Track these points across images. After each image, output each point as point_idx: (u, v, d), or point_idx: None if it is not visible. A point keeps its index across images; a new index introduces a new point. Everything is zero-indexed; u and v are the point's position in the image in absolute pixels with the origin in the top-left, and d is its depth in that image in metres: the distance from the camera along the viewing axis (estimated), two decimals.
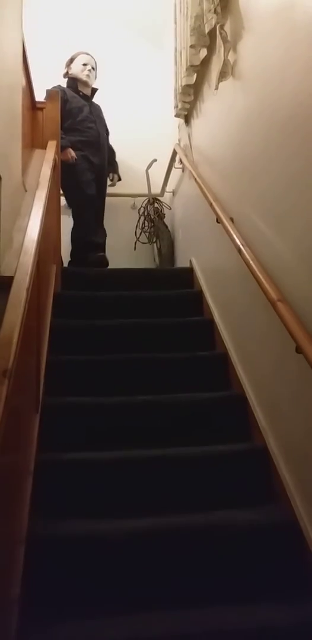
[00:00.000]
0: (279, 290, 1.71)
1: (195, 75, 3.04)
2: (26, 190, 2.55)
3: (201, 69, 2.96)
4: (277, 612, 1.42)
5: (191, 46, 2.84)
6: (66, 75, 3.77)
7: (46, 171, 2.59)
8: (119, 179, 3.98)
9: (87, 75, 3.74)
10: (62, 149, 3.30)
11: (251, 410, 2.08)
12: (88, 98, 3.76)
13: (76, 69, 3.74)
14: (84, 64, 3.74)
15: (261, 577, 1.55)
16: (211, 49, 2.75)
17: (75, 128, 3.59)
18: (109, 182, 3.92)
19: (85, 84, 3.75)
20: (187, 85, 3.10)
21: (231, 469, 1.87)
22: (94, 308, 2.80)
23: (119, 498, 1.76)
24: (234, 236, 2.14)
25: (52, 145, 3.00)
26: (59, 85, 3.60)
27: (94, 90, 3.85)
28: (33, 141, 3.11)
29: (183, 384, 2.29)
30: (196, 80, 3.06)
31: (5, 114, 2.18)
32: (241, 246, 2.05)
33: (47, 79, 3.45)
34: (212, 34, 2.64)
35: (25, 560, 1.44)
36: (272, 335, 1.84)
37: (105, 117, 3.90)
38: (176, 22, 3.33)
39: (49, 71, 3.69)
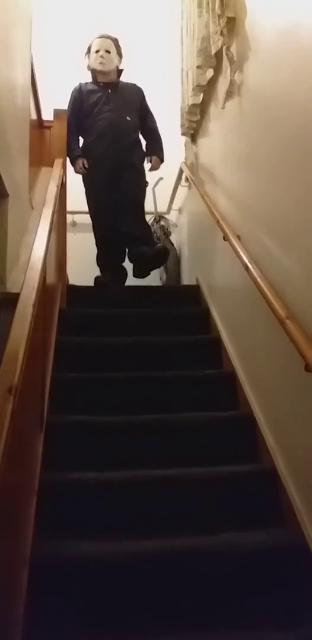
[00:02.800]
0: (288, 307, 1.69)
1: (201, 95, 3.07)
2: (33, 208, 2.57)
3: (207, 89, 3.00)
4: (287, 637, 1.37)
5: (198, 67, 2.88)
6: (88, 68, 3.45)
7: (53, 189, 2.60)
8: (162, 161, 3.43)
9: (101, 63, 3.33)
10: (73, 160, 3.22)
11: (259, 430, 2.04)
12: (109, 85, 3.35)
13: (92, 59, 3.40)
14: (97, 51, 3.36)
15: (269, 601, 1.50)
16: (217, 69, 2.79)
17: (91, 126, 3.29)
18: (148, 167, 3.43)
19: (101, 72, 3.36)
20: (194, 105, 3.14)
21: (238, 490, 1.83)
22: (99, 325, 2.79)
23: (123, 519, 1.73)
24: (242, 254, 2.14)
25: (58, 163, 3.03)
26: (80, 84, 3.41)
27: (120, 72, 3.45)
28: (40, 159, 3.14)
29: (190, 403, 2.26)
30: (202, 99, 3.10)
31: (14, 134, 2.20)
32: (249, 264, 2.03)
33: (54, 97, 3.49)
34: (218, 54, 2.68)
35: (29, 581, 1.40)
36: (281, 354, 1.82)
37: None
38: (182, 44, 3.38)
39: (57, 89, 3.73)
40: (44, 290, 1.92)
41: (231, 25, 2.43)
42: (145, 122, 3.40)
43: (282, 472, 1.81)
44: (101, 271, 3.27)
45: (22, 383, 1.25)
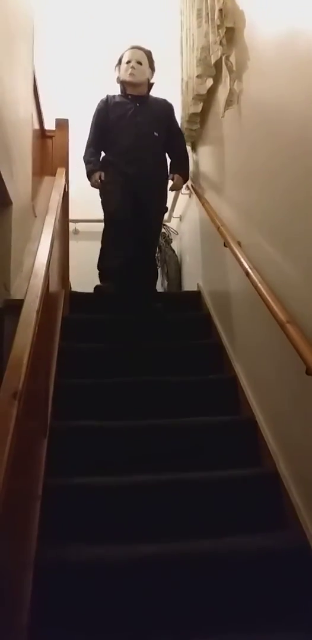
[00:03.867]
0: (288, 312, 1.71)
1: (201, 104, 3.11)
2: (36, 216, 2.60)
3: (207, 98, 3.03)
4: (291, 638, 1.38)
5: (198, 76, 2.92)
6: (118, 79, 3.18)
7: (55, 197, 2.64)
8: (185, 181, 3.17)
9: (131, 74, 3.06)
10: (89, 173, 2.99)
11: (260, 434, 2.05)
12: (138, 98, 3.09)
13: (122, 70, 3.13)
14: (128, 62, 3.10)
15: (273, 602, 1.51)
16: (216, 78, 2.82)
17: (115, 139, 3.00)
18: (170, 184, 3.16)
19: (131, 84, 3.09)
20: (194, 114, 3.17)
21: (241, 494, 1.84)
22: (101, 332, 2.81)
23: (127, 523, 1.73)
24: (242, 259, 2.16)
25: (61, 172, 3.07)
26: (107, 96, 3.13)
27: (150, 86, 3.19)
28: (42, 168, 3.18)
29: (192, 408, 2.27)
30: (202, 108, 3.13)
31: (17, 143, 2.23)
32: (249, 269, 2.06)
33: (56, 107, 3.54)
34: (218, 64, 2.71)
35: (33, 586, 1.41)
36: (282, 358, 1.83)
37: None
38: (182, 54, 3.43)
39: (58, 99, 3.78)
40: (47, 297, 1.95)
41: (230, 35, 2.46)
42: (173, 140, 3.12)
43: (284, 475, 1.82)
44: (101, 279, 3.02)
45: (26, 389, 1.27)
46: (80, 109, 3.47)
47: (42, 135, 3.28)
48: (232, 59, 2.45)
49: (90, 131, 3.05)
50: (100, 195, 2.99)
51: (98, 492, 1.80)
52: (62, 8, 4.34)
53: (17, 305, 1.62)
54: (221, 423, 2.17)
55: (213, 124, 2.98)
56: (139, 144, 2.95)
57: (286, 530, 1.72)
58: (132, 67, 3.07)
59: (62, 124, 3.36)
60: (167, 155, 3.13)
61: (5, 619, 1.17)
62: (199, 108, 3.13)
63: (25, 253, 2.19)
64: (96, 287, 2.95)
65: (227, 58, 2.46)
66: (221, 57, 2.56)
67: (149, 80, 3.16)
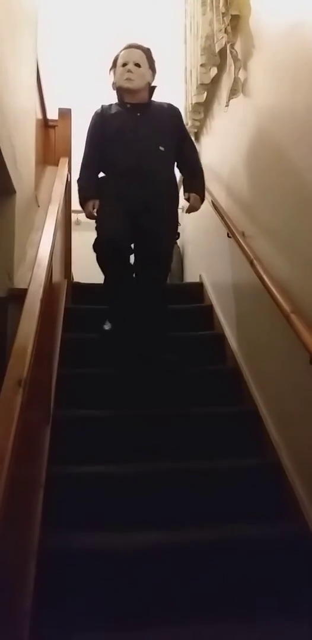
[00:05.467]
0: (292, 302, 1.71)
1: (205, 93, 3.09)
2: (39, 206, 2.59)
3: (211, 87, 3.01)
4: (291, 629, 1.39)
5: (202, 65, 2.90)
6: (113, 86, 2.60)
7: (58, 187, 2.63)
8: (203, 200, 2.58)
9: (128, 79, 2.49)
10: (83, 201, 2.45)
11: (263, 425, 2.06)
12: (138, 107, 2.53)
13: (117, 75, 2.55)
14: (123, 65, 2.52)
15: (274, 592, 1.52)
16: (221, 67, 2.80)
17: (113, 158, 2.45)
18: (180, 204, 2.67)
19: (129, 91, 2.51)
20: (198, 104, 3.15)
21: (243, 484, 1.85)
22: (103, 322, 2.80)
23: (130, 512, 1.74)
24: (246, 249, 2.15)
25: (63, 162, 3.06)
26: (101, 107, 2.58)
27: (152, 90, 2.60)
28: (45, 158, 3.17)
29: (194, 398, 2.28)
30: (206, 98, 3.11)
31: (20, 133, 2.22)
32: (253, 259, 2.05)
33: (59, 97, 3.52)
34: (222, 52, 2.69)
35: (36, 573, 1.42)
36: (285, 348, 1.83)
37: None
38: (186, 42, 3.40)
39: (61, 88, 3.76)
40: (50, 287, 1.95)
41: (235, 23, 2.44)
42: (183, 151, 2.57)
43: (287, 466, 1.82)
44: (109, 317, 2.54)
45: (30, 377, 1.28)
46: (83, 98, 3.46)
47: (45, 124, 3.27)
48: (237, 47, 2.44)
49: (85, 150, 2.52)
50: (96, 227, 2.43)
51: (101, 480, 1.81)
52: None
53: (20, 295, 1.63)
54: (223, 414, 2.17)
55: (217, 113, 2.97)
56: (142, 162, 2.39)
57: (288, 520, 1.73)
58: (129, 71, 2.49)
59: (65, 114, 3.35)
60: (177, 169, 2.61)
61: (8, 605, 1.18)
62: (203, 97, 3.11)
63: (28, 243, 2.18)
64: (102, 330, 2.51)
65: (232, 46, 2.44)
66: (225, 46, 2.54)
67: (149, 83, 2.57)
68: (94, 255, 2.81)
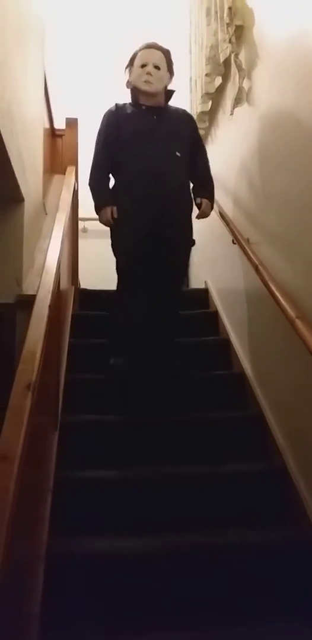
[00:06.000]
0: (298, 307, 1.72)
1: (210, 102, 3.12)
2: (47, 214, 2.62)
3: (215, 97, 3.05)
4: (298, 631, 1.39)
5: (206, 75, 2.94)
6: (128, 84, 2.49)
7: (65, 195, 2.67)
8: (213, 205, 2.52)
9: (147, 82, 2.37)
10: (99, 207, 2.32)
11: (269, 430, 2.07)
12: (154, 110, 2.41)
13: (134, 75, 2.43)
14: (143, 65, 2.39)
15: (280, 596, 1.52)
16: (225, 76, 2.83)
17: (127, 162, 2.33)
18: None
19: (147, 93, 2.40)
20: (203, 112, 3.19)
21: (249, 489, 1.85)
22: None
23: (136, 516, 1.76)
24: (251, 255, 2.17)
25: (71, 171, 3.10)
26: (115, 105, 2.46)
27: (169, 94, 2.50)
28: (52, 167, 3.21)
29: (199, 403, 2.29)
30: (211, 107, 3.14)
31: (28, 142, 2.26)
32: (258, 265, 2.07)
33: (66, 106, 3.56)
34: (227, 62, 2.73)
35: (45, 578, 1.43)
36: (290, 354, 1.84)
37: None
38: (190, 53, 3.44)
39: (68, 98, 3.80)
40: (58, 294, 1.97)
41: (239, 33, 2.48)
42: (196, 159, 2.47)
43: (293, 471, 1.83)
44: (113, 351, 2.35)
45: (39, 381, 1.30)
46: (89, 108, 3.50)
47: (52, 134, 3.31)
48: (242, 56, 2.47)
49: (97, 150, 2.38)
50: (111, 236, 2.37)
51: (109, 485, 1.82)
52: (71, 7, 4.37)
53: (29, 301, 1.66)
54: (228, 418, 2.18)
55: (222, 122, 3.00)
56: (159, 167, 2.28)
57: (294, 525, 1.73)
58: (149, 74, 2.36)
59: (71, 123, 3.39)
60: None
61: (17, 609, 1.20)
62: (207, 106, 3.15)
63: (36, 250, 2.22)
64: (107, 369, 2.32)
65: (237, 56, 2.47)
66: (229, 56, 2.58)
67: (166, 87, 2.46)
68: (100, 262, 2.79)
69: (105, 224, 2.33)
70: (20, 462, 1.04)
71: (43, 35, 2.93)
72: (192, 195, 2.47)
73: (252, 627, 1.44)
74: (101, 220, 2.34)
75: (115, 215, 2.29)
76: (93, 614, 1.47)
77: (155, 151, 2.31)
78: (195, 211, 2.46)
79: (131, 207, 2.27)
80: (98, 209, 2.32)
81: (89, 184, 2.37)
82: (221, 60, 2.72)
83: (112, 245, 2.36)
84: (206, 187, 2.50)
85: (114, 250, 2.35)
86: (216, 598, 1.53)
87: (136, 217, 2.26)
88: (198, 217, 2.48)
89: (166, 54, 2.45)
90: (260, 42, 2.27)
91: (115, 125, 2.37)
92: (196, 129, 2.59)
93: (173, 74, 2.49)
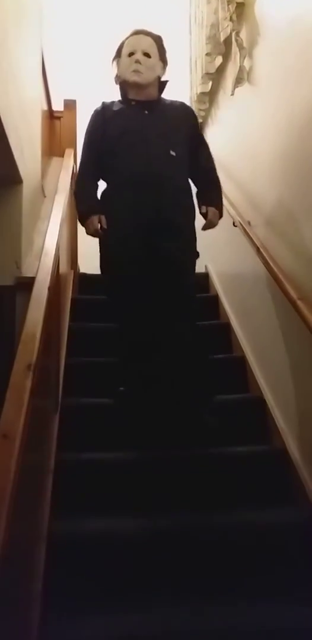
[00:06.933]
0: (299, 289, 1.72)
1: (210, 83, 3.08)
2: (45, 196, 2.60)
3: (216, 77, 3.00)
4: (298, 614, 1.40)
5: (207, 54, 2.89)
6: (117, 79, 2.20)
7: (64, 177, 2.64)
8: (221, 214, 2.15)
9: (135, 71, 2.08)
10: (84, 216, 2.03)
11: (269, 412, 2.07)
12: (146, 104, 2.12)
13: (122, 66, 2.14)
14: (131, 54, 2.10)
15: (281, 576, 1.53)
16: (226, 56, 2.79)
17: (116, 164, 2.05)
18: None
19: (136, 85, 2.11)
20: (203, 93, 3.15)
21: (249, 471, 1.86)
22: (109, 312, 2.81)
23: (137, 497, 1.76)
24: (253, 237, 2.16)
25: (69, 153, 3.07)
26: (102, 104, 2.17)
27: (162, 85, 2.19)
28: (51, 149, 3.18)
29: None
30: (211, 88, 3.10)
31: (26, 123, 2.23)
32: (259, 246, 2.06)
33: (64, 88, 3.52)
34: (227, 41, 2.68)
35: (46, 557, 1.44)
36: (291, 335, 1.84)
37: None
38: (191, 32, 3.39)
39: (66, 80, 3.75)
40: (58, 277, 1.96)
41: (240, 10, 2.44)
42: (198, 158, 2.17)
43: (293, 453, 1.83)
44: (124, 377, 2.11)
45: (39, 363, 1.29)
46: (88, 89, 3.46)
47: (50, 115, 3.27)
48: (243, 35, 2.43)
49: (83, 153, 2.14)
50: (100, 249, 2.07)
51: (109, 466, 1.83)
52: None
53: (28, 283, 1.65)
54: (228, 401, 2.18)
55: (222, 103, 2.96)
56: (151, 168, 2.00)
57: (294, 506, 1.74)
58: (137, 62, 2.07)
59: (70, 105, 3.36)
60: (191, 178, 2.16)
61: (20, 588, 1.21)
62: (208, 87, 3.10)
63: (35, 232, 2.20)
64: (116, 394, 2.11)
65: (238, 34, 2.43)
66: (230, 34, 2.53)
67: (159, 77, 2.16)
68: (98, 246, 2.72)
69: (93, 234, 2.02)
70: (21, 440, 1.04)
71: (40, 15, 2.88)
72: (194, 198, 2.15)
73: (258, 602, 1.45)
74: (88, 232, 2.03)
75: (104, 225, 1.99)
76: (93, 593, 1.48)
77: (147, 151, 2.02)
78: (200, 220, 2.13)
79: (120, 213, 1.98)
80: (82, 219, 2.03)
81: (74, 193, 2.17)
82: (222, 39, 2.68)
83: (101, 262, 2.06)
84: (211, 192, 2.15)
85: (102, 269, 2.06)
86: (219, 576, 1.54)
87: (126, 224, 1.96)
88: (204, 228, 2.14)
89: (158, 40, 2.15)
90: (261, 19, 2.23)
91: (101, 127, 2.10)
92: (195, 124, 2.27)
93: (166, 63, 2.18)
